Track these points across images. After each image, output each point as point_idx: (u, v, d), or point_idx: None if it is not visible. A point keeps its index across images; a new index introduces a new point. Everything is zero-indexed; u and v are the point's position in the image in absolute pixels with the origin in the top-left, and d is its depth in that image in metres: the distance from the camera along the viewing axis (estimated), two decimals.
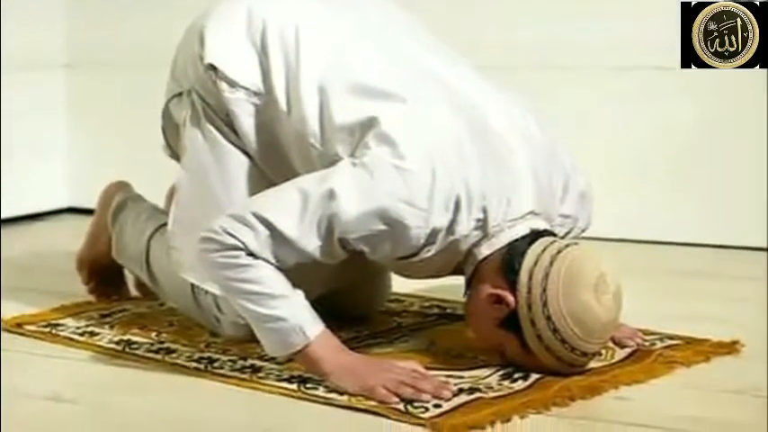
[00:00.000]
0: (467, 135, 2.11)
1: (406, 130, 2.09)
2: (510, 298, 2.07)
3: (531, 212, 2.15)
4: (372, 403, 1.99)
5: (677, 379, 2.16)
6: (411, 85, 2.18)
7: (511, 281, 2.07)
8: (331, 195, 2.03)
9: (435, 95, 2.17)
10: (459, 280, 2.20)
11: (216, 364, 2.23)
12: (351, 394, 2.02)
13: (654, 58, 3.30)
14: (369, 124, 2.10)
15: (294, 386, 2.09)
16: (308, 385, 2.08)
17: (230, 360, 2.25)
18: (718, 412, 1.99)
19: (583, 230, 2.34)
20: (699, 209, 3.47)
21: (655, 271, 3.17)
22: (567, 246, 2.09)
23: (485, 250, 2.12)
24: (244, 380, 2.14)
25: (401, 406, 1.97)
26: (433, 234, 2.06)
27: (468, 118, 2.14)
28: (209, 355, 2.29)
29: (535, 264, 2.06)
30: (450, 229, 2.08)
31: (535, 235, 2.11)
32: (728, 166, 3.43)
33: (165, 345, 2.37)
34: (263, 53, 2.25)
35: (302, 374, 2.12)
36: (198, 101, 2.32)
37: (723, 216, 3.45)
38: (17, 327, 2.52)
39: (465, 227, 2.08)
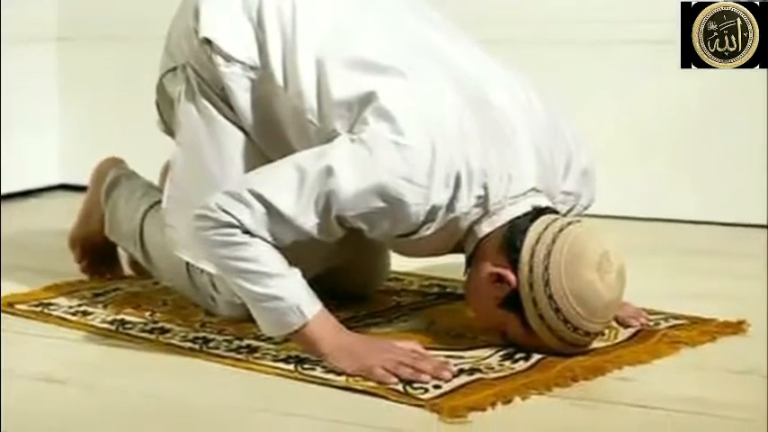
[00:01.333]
0: (467, 110, 2.10)
1: (406, 105, 2.07)
2: (511, 277, 2.06)
3: (533, 189, 2.13)
4: (371, 384, 1.98)
5: (682, 359, 2.16)
6: (410, 59, 2.16)
7: (512, 259, 2.06)
8: (329, 172, 2.02)
9: (435, 70, 2.16)
10: (460, 258, 2.19)
11: (211, 344, 2.22)
12: (349, 375, 2.01)
13: (658, 33, 3.28)
14: (367, 99, 2.09)
15: (291, 366, 2.08)
16: (305, 366, 2.07)
17: (226, 340, 2.24)
18: (722, 393, 1.99)
19: (585, 208, 2.33)
20: (703, 186, 3.47)
21: (659, 249, 3.16)
22: (570, 223, 2.08)
23: (485, 228, 2.11)
24: (239, 360, 2.13)
25: (400, 387, 1.96)
26: (433, 211, 2.05)
27: (468, 93, 2.13)
28: (204, 334, 2.28)
29: (537, 242, 2.05)
30: (450, 206, 2.06)
31: (537, 212, 2.10)
32: (733, 142, 3.43)
33: (160, 324, 2.36)
34: (259, 27, 2.24)
35: (299, 355, 2.11)
36: (193, 76, 2.31)
37: (727, 193, 3.44)
38: (8, 306, 2.51)
39: (465, 204, 2.07)
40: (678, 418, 1.87)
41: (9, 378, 2.06)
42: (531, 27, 3.52)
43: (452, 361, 2.07)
